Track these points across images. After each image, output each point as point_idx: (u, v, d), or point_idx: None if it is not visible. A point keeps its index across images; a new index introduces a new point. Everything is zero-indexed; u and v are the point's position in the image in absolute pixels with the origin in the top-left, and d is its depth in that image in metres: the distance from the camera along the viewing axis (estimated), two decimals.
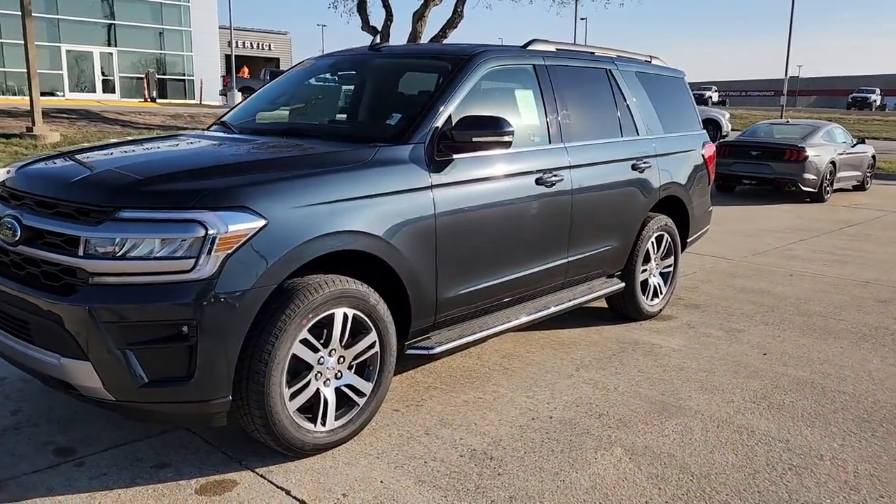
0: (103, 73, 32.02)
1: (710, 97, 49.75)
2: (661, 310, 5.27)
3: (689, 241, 5.56)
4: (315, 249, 2.84)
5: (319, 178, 2.94)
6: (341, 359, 3.05)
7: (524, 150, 3.85)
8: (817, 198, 12.26)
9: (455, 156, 3.42)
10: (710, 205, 5.90)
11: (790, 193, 12.40)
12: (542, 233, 3.97)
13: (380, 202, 3.09)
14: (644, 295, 5.09)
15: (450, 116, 3.46)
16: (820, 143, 12.58)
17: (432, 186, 3.30)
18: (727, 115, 24.60)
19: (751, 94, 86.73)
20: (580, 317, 5.08)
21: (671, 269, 5.34)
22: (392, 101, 4.00)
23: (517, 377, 4.01)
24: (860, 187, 14.12)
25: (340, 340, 3.02)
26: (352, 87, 4.21)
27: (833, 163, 12.52)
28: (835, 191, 12.91)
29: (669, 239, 5.23)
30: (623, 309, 5.05)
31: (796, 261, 7.40)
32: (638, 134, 4.82)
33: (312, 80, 4.31)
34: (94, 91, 31.53)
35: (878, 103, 60.54)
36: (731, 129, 23.69)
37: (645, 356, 4.43)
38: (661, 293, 5.27)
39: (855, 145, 13.67)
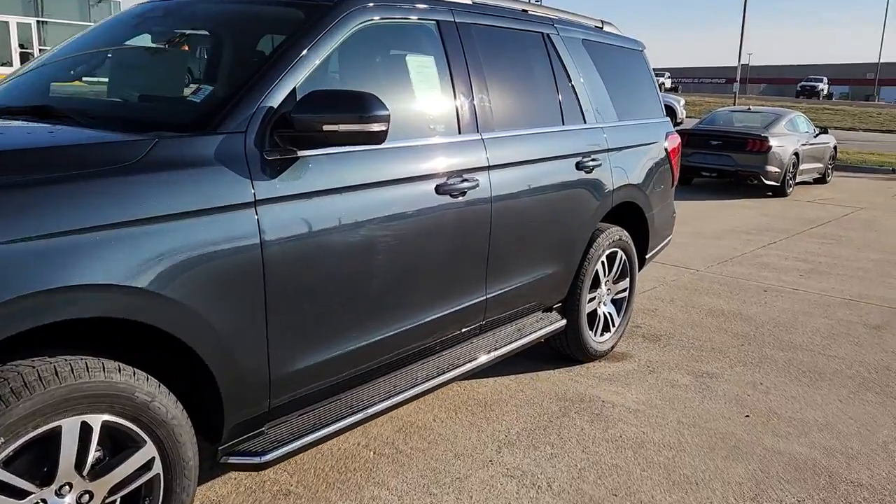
0: (22, 47, 29.62)
1: (664, 84, 49.24)
2: (612, 346, 4.14)
3: (648, 256, 4.44)
4: (12, 324, 1.60)
5: (31, 192, 1.68)
6: (85, 497, 1.82)
7: (419, 144, 2.64)
8: (780, 192, 11.37)
9: (301, 153, 2.20)
10: (673, 210, 4.79)
11: (751, 187, 11.49)
12: (448, 263, 2.78)
13: (154, 232, 1.84)
14: (592, 330, 3.95)
15: (294, 91, 2.23)
16: (783, 132, 11.68)
17: (258, 202, 2.07)
18: (682, 101, 23.81)
19: (703, 81, 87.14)
20: (509, 357, 3.91)
21: (626, 293, 4.21)
22: (208, 66, 2.73)
23: (413, 469, 2.83)
24: (821, 180, 13.33)
25: (79, 468, 1.79)
26: (165, 46, 2.92)
27: (796, 154, 11.64)
28: (797, 184, 12.05)
29: (624, 256, 4.10)
30: (565, 348, 3.91)
31: (768, 270, 6.38)
32: (585, 122, 3.66)
33: (126, 35, 2.99)
34: (12, 65, 29.13)
35: (825, 92, 61.24)
36: (686, 117, 22.90)
37: (592, 423, 3.28)
38: (614, 325, 4.14)
39: (817, 135, 12.83)
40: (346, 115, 2.12)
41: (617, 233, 3.94)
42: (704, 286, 5.76)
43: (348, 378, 2.49)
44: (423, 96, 2.77)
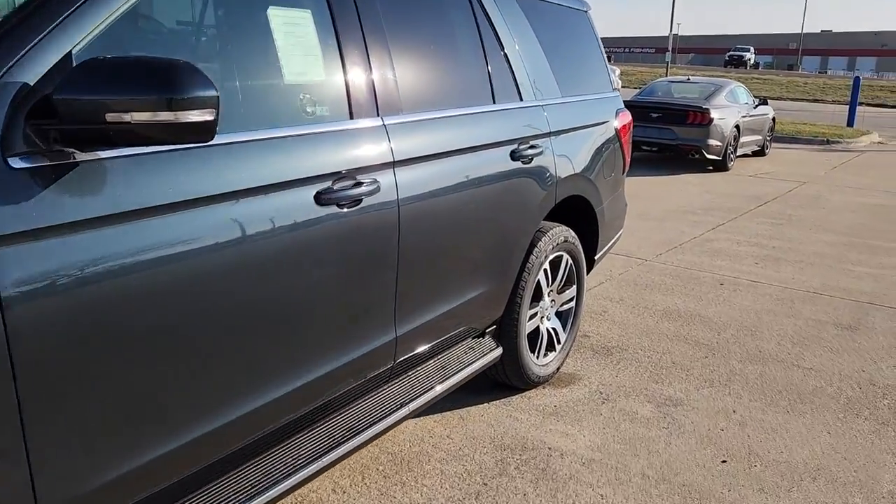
0: None
1: None
2: (558, 368, 3.45)
3: (597, 257, 3.76)
4: None
5: None
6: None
7: (285, 136, 1.83)
8: (721, 166, 10.95)
9: (82, 156, 1.38)
10: (624, 201, 4.12)
11: (692, 161, 11.03)
12: (335, 301, 2.00)
13: None
14: (534, 352, 3.25)
15: (68, 58, 1.40)
16: (724, 104, 11.24)
17: None
18: (617, 71, 23.40)
19: (634, 50, 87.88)
20: None
21: (573, 304, 3.52)
22: None
23: None
24: (760, 152, 13.01)
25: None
26: None
27: (738, 126, 11.23)
28: (737, 157, 11.67)
29: (571, 261, 3.40)
30: (502, 376, 3.20)
31: (722, 258, 5.82)
32: (521, 99, 2.91)
33: None
34: None
35: (752, 62, 62.39)
36: (622, 87, 22.49)
37: (536, 485, 2.59)
38: (559, 343, 3.46)
39: (756, 106, 12.47)
40: (141, 97, 1.31)
41: (562, 233, 3.23)
42: (656, 280, 5.15)
43: (176, 485, 1.70)
44: (294, 66, 1.95)
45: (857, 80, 19.53)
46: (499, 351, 2.93)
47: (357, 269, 2.04)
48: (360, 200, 2.00)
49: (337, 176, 1.93)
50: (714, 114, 10.57)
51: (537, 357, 3.28)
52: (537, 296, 3.22)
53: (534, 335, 3.26)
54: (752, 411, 3.21)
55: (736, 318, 4.40)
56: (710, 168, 11.05)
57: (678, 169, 10.92)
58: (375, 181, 2.05)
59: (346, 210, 1.95)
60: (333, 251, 1.94)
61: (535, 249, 3.05)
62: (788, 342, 4.05)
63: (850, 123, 18.92)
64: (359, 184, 1.99)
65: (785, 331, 4.23)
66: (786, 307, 4.66)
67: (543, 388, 3.35)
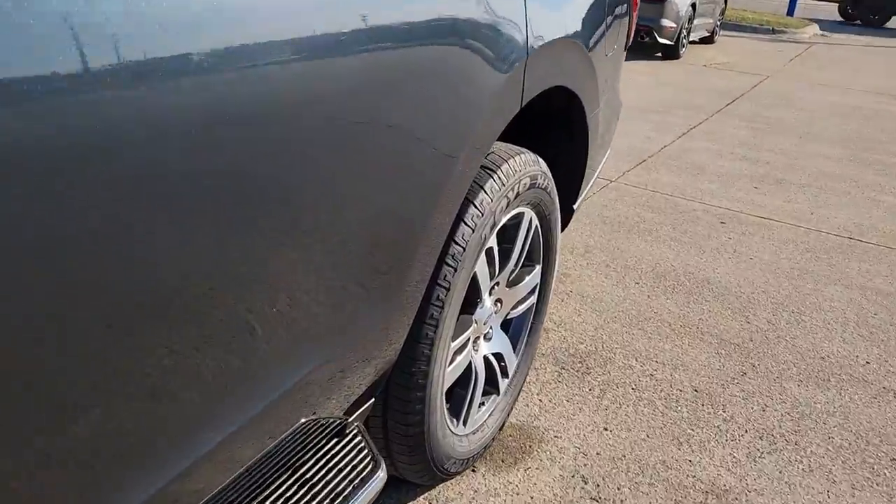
0: None
1: None
2: (503, 424, 1.80)
3: (577, 205, 2.05)
4: None
5: None
6: None
7: None
8: (672, 53, 9.30)
9: None
10: (620, 101, 2.37)
11: (639, 47, 9.31)
12: None
13: None
14: (457, 416, 1.57)
15: None
16: None
17: None
18: None
19: None
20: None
21: (533, 298, 1.84)
22: None
23: None
24: (709, 39, 11.42)
25: None
26: None
27: (693, 6, 9.51)
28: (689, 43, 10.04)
29: (536, 221, 1.68)
30: (390, 469, 1.51)
31: (708, 178, 4.24)
32: None
33: None
34: None
35: None
36: None
37: None
38: (507, 376, 1.78)
39: None
40: None
41: (528, 169, 1.49)
42: (630, 214, 3.52)
43: None
44: None
45: None
46: (379, 464, 1.21)
47: None
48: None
49: None
50: None
51: (462, 421, 1.60)
52: (469, 302, 1.51)
53: (458, 388, 1.58)
54: None
55: (762, 287, 2.85)
56: (660, 55, 9.40)
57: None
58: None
59: None
60: None
61: (472, 213, 1.31)
62: (858, 337, 2.54)
63: (790, 13, 17.62)
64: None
65: (842, 312, 2.71)
66: (823, 264, 3.14)
67: (469, 474, 1.71)
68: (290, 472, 1.13)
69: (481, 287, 1.51)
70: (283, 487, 1.10)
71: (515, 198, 1.48)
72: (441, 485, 1.66)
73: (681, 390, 2.11)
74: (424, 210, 1.11)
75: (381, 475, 1.17)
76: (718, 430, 1.94)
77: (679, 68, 8.71)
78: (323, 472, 1.15)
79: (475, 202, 1.33)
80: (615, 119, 2.28)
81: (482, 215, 1.35)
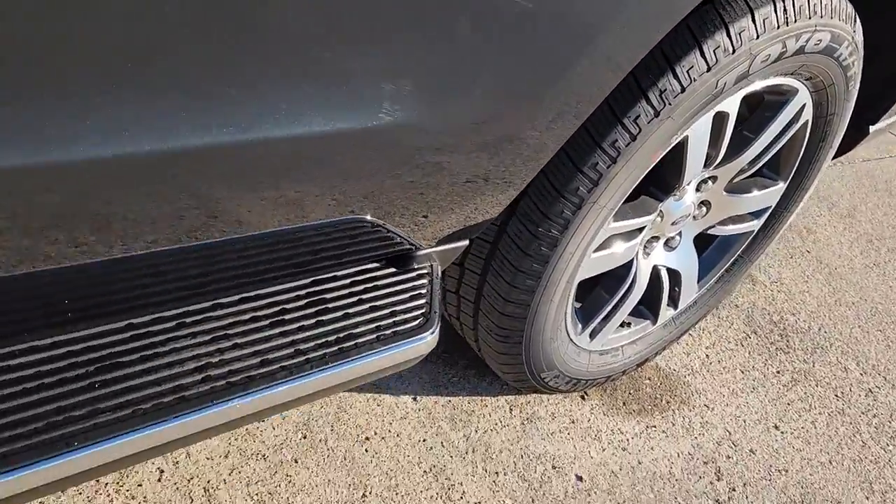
0: None
1: None
2: (621, 371, 1.37)
3: (884, 119, 1.43)
4: None
5: None
6: None
7: None
8: None
9: None
10: None
11: None
12: None
13: None
14: (588, 324, 1.17)
15: None
16: None
17: None
18: None
19: None
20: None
21: (752, 224, 1.32)
22: None
23: None
24: None
25: None
26: None
27: None
28: None
29: (811, 111, 1.14)
30: (475, 349, 1.17)
31: None
32: None
33: None
34: None
35: None
36: None
37: None
38: (665, 314, 1.32)
39: None
40: None
41: (830, 18, 0.96)
42: None
43: None
44: None
45: None
46: (428, 339, 0.85)
47: None
48: None
49: None
50: None
51: (589, 332, 1.19)
52: (663, 183, 1.06)
53: (609, 279, 1.16)
54: None
55: None
56: None
57: None
58: None
59: None
60: None
61: (718, 41, 0.84)
62: None
63: None
64: None
65: None
66: None
67: (574, 398, 1.32)
68: (325, 267, 0.81)
69: (686, 167, 1.03)
70: (310, 280, 0.79)
71: (794, 54, 0.96)
72: (534, 395, 1.29)
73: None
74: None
75: (428, 339, 0.82)
76: None
77: None
78: (361, 293, 0.81)
79: (731, 26, 0.85)
80: None
81: (732, 52, 0.87)
